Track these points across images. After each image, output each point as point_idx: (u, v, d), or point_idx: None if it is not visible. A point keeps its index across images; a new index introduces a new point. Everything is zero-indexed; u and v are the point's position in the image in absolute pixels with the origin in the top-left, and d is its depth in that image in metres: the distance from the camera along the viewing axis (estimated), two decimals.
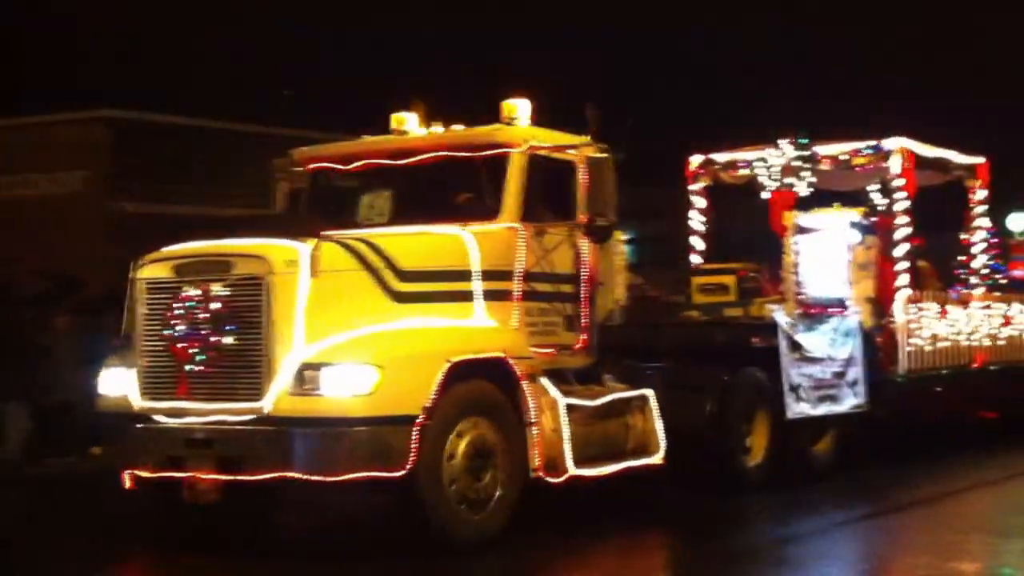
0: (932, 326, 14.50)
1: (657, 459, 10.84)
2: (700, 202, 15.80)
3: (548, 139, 10.34)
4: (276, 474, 8.59)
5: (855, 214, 13.34)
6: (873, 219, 14.36)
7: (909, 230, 14.23)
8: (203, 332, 8.90)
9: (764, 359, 12.22)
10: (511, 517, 9.44)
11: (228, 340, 8.85)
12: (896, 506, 11.70)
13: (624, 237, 13.32)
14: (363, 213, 10.71)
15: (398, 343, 9.01)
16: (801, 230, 12.95)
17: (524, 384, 9.55)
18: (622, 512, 11.00)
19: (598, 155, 10.14)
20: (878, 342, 13.91)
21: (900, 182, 14.17)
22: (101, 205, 21.32)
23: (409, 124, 10.85)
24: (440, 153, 10.30)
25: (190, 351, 8.91)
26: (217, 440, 8.82)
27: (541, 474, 9.64)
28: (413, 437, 8.68)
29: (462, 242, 9.80)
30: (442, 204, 10.34)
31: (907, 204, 14.19)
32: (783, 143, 14.65)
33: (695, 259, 15.77)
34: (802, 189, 14.63)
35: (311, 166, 10.95)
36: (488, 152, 10.13)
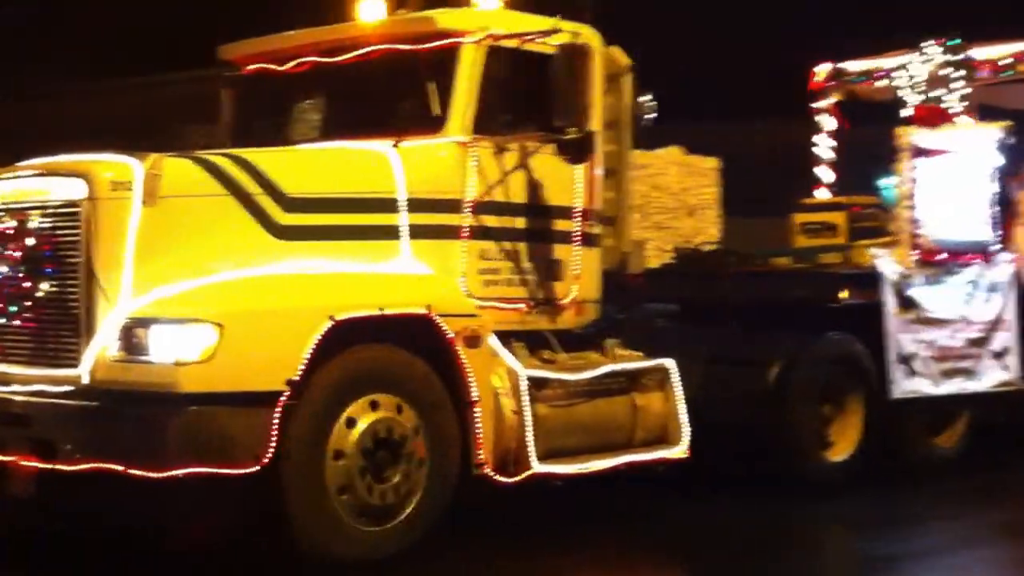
0: None
1: (679, 452, 8.24)
2: (829, 123, 12.98)
3: (516, 26, 7.79)
4: (92, 464, 6.48)
5: (998, 131, 10.18)
6: None
7: None
8: (17, 276, 6.88)
9: (863, 321, 9.43)
10: (435, 527, 7.10)
11: (45, 286, 6.79)
12: None
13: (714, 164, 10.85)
14: (293, 127, 8.41)
15: (257, 293, 6.70)
16: (920, 152, 9.92)
17: (460, 350, 7.15)
18: (616, 524, 8.46)
19: (572, 42, 7.52)
20: None
21: None
22: None
23: (377, 11, 8.44)
24: (375, 47, 7.88)
25: (1, 301, 6.92)
26: (34, 417, 6.78)
27: (489, 471, 7.26)
28: (273, 422, 6.43)
29: (383, 162, 7.39)
30: (383, 114, 7.98)
31: None
32: (929, 46, 11.93)
33: (823, 194, 12.98)
34: (953, 103, 11.86)
35: (249, 67, 8.71)
36: (432, 44, 7.68)
